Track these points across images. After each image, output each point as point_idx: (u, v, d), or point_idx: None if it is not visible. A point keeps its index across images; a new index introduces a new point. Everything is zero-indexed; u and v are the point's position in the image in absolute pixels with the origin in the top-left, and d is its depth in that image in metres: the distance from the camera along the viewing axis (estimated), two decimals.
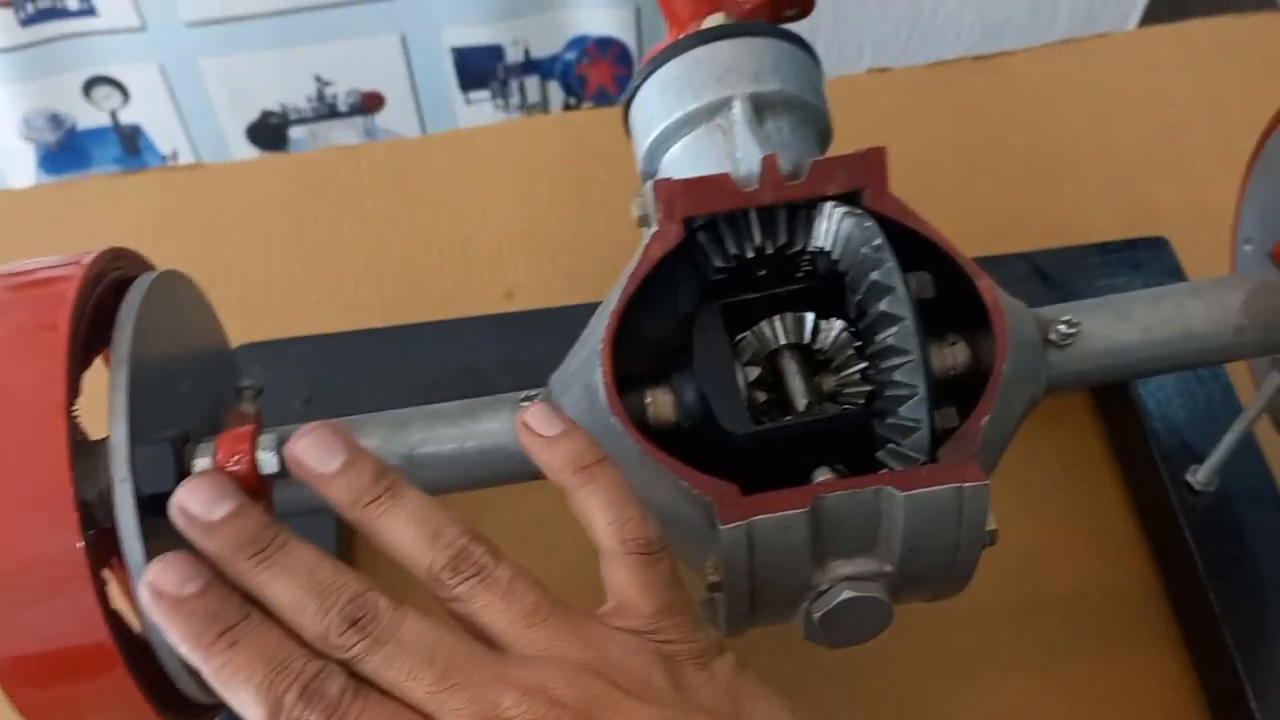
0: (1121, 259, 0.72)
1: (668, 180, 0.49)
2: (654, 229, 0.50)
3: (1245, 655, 0.60)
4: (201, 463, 0.42)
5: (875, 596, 0.45)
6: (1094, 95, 0.87)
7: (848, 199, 0.50)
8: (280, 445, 0.43)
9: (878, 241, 0.46)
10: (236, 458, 0.42)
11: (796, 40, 0.55)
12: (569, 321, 0.73)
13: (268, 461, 0.43)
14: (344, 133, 1.55)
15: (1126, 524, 0.68)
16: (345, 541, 0.65)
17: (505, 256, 0.81)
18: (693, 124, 0.53)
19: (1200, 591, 0.62)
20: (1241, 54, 0.88)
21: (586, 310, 0.72)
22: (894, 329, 0.45)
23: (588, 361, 0.49)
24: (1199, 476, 0.64)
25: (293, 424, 0.64)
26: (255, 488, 0.43)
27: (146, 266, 0.51)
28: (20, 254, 0.48)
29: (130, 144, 1.53)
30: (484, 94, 1.53)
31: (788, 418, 0.48)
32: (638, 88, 0.56)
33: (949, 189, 0.82)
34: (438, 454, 0.49)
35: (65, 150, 1.51)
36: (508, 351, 0.70)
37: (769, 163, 0.49)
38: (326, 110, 1.52)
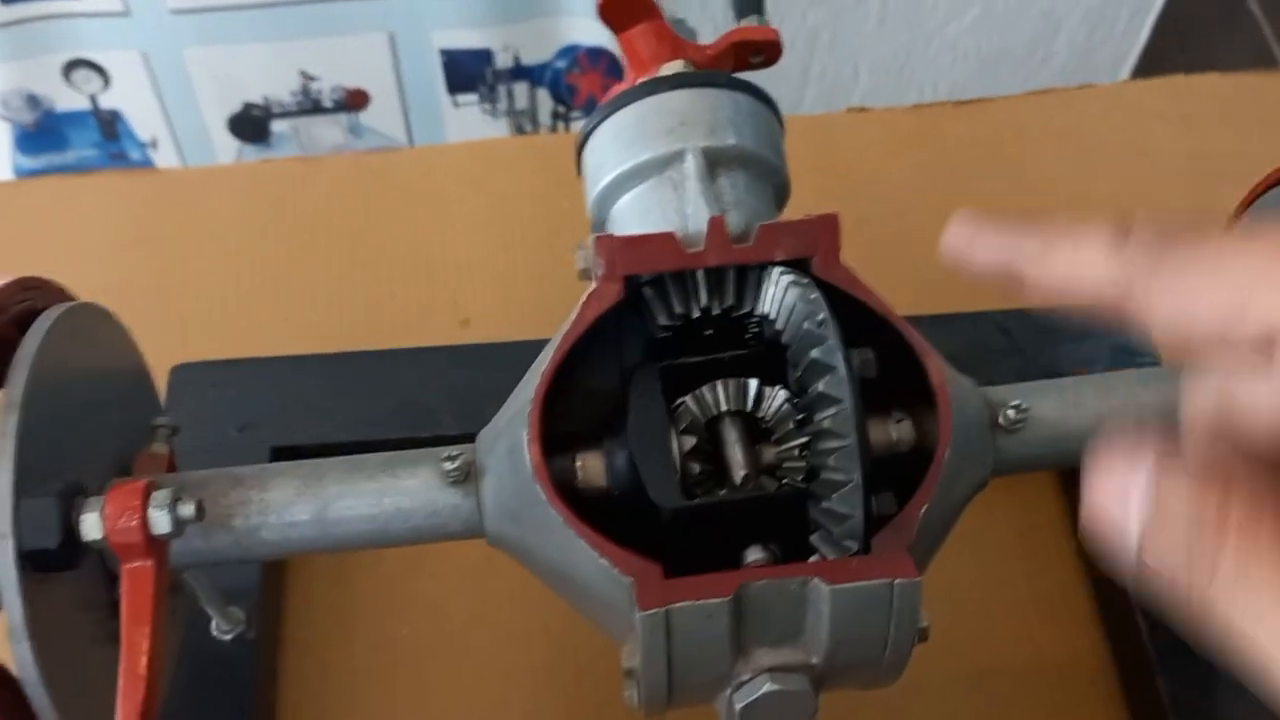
0: (1090, 324, 0.70)
1: (609, 237, 0.47)
2: (593, 286, 0.48)
3: None
4: (89, 518, 0.40)
5: (799, 690, 0.43)
6: (1074, 146, 0.85)
7: (797, 264, 0.48)
8: (177, 501, 0.41)
9: (821, 316, 0.44)
10: (126, 515, 0.40)
11: (757, 93, 0.53)
12: (521, 357, 0.71)
13: (160, 521, 0.40)
14: (327, 129, 1.53)
15: (1081, 594, 0.66)
16: (271, 587, 0.63)
17: (465, 282, 0.79)
18: (643, 175, 0.51)
19: (1148, 674, 0.60)
20: (1228, 111, 0.86)
21: (539, 347, 0.70)
22: (832, 411, 0.43)
23: (515, 420, 0.47)
24: None
25: (212, 461, 0.64)
26: (146, 550, 0.40)
27: (60, 296, 0.48)
28: None
29: (109, 129, 1.51)
30: (472, 98, 1.51)
31: (722, 492, 0.46)
32: (590, 131, 0.54)
33: (921, 237, 0.79)
34: (354, 513, 0.47)
35: (42, 132, 1.49)
36: (454, 386, 0.68)
37: (715, 224, 0.47)
38: (310, 105, 1.50)
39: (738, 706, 0.43)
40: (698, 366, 0.48)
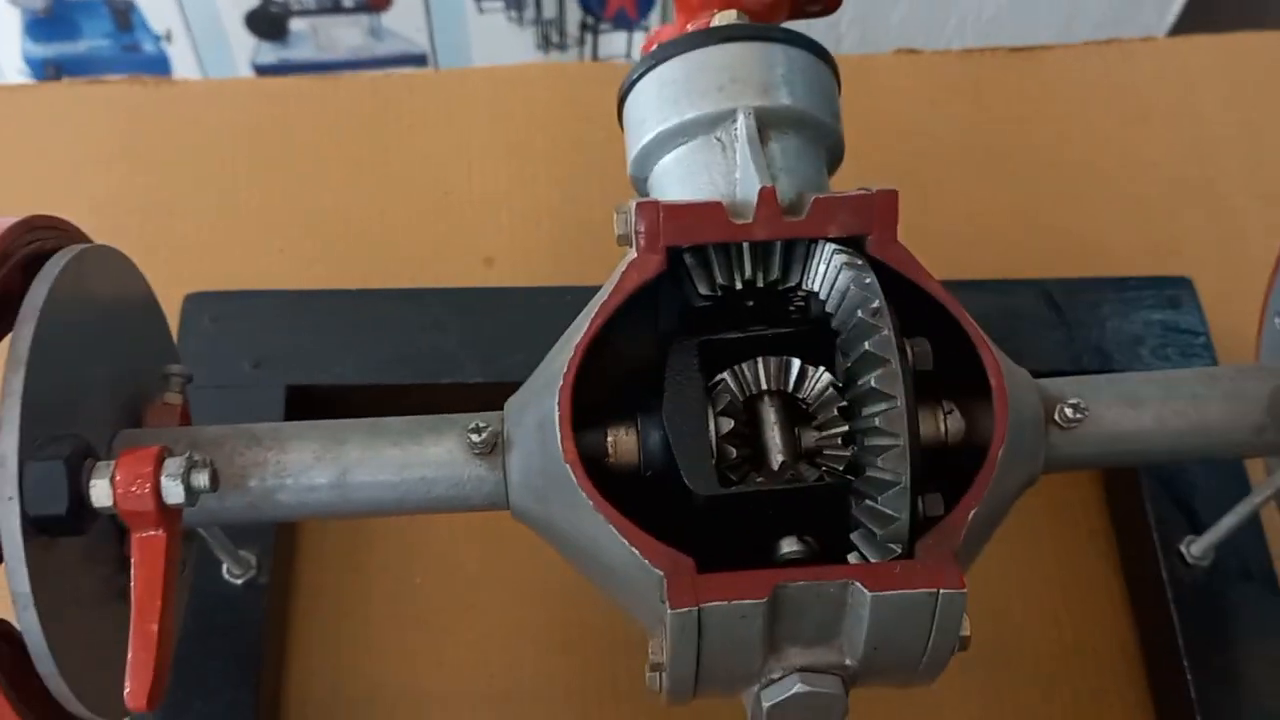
0: (1140, 298, 0.68)
1: (652, 204, 0.44)
2: (633, 254, 0.45)
3: None
4: (99, 485, 0.38)
5: (830, 692, 0.41)
6: (1126, 102, 0.81)
7: (850, 241, 0.45)
8: (191, 469, 0.39)
9: (876, 305, 0.42)
10: (138, 484, 0.38)
11: (814, 48, 0.50)
12: (547, 305, 0.68)
13: (173, 491, 0.38)
14: (347, 30, 1.48)
15: (1112, 583, 0.65)
16: (283, 531, 0.61)
17: (487, 218, 0.76)
18: (689, 134, 0.48)
19: (1177, 668, 0.59)
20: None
21: (568, 295, 0.67)
22: (883, 407, 0.41)
23: (544, 392, 0.45)
24: (1193, 549, 0.60)
25: (226, 400, 0.62)
26: (157, 519, 0.38)
27: (70, 236, 0.46)
28: None
29: (123, 20, 1.46)
30: (497, 4, 1.46)
31: (758, 480, 0.44)
32: (634, 82, 0.50)
33: (963, 191, 0.77)
34: (374, 480, 0.45)
35: (54, 20, 1.44)
36: (477, 331, 0.66)
37: (766, 195, 0.44)
38: (330, 4, 1.44)
39: (766, 705, 0.42)
40: (738, 343, 0.46)
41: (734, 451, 0.44)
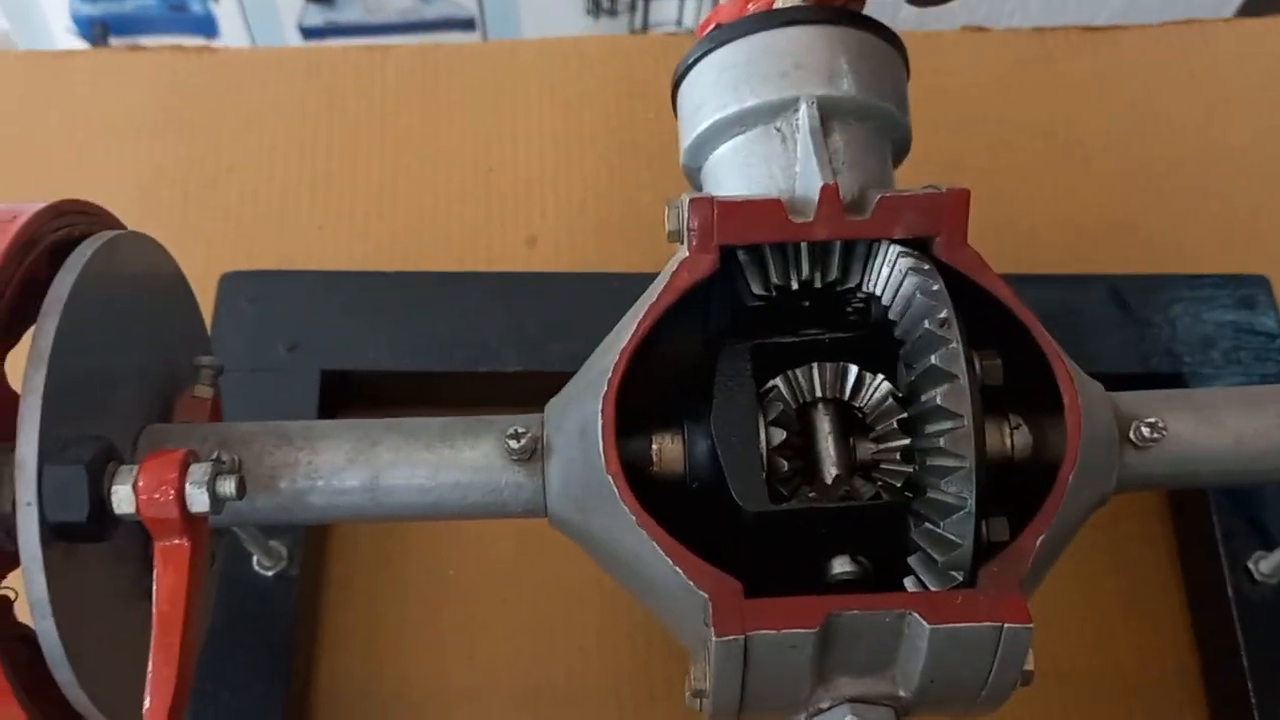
0: (1213, 297, 0.64)
1: (706, 200, 0.42)
2: (684, 253, 0.43)
3: None
4: (120, 491, 0.36)
5: None
6: (1205, 87, 0.77)
7: (915, 242, 0.42)
8: (218, 476, 0.37)
9: (944, 315, 0.39)
10: (161, 490, 0.36)
11: (883, 32, 0.47)
12: (591, 291, 0.66)
13: (197, 499, 0.37)
14: None
15: (1173, 597, 0.62)
16: (307, 601, 0.59)
17: (532, 196, 0.74)
18: (748, 123, 0.45)
19: (1241, 691, 0.56)
20: None
21: (613, 282, 0.65)
22: (948, 426, 0.38)
23: (587, 395, 0.42)
24: (1262, 566, 0.57)
25: (260, 384, 0.60)
26: (182, 528, 0.37)
27: (101, 221, 0.44)
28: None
29: None
30: None
31: (811, 495, 0.41)
32: (691, 65, 0.48)
33: (1029, 180, 0.73)
34: (407, 484, 0.43)
35: None
36: (519, 319, 0.64)
37: (828, 193, 0.42)
38: None
39: None
40: (793, 347, 0.44)
41: (785, 464, 0.42)
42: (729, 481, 0.41)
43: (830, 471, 0.42)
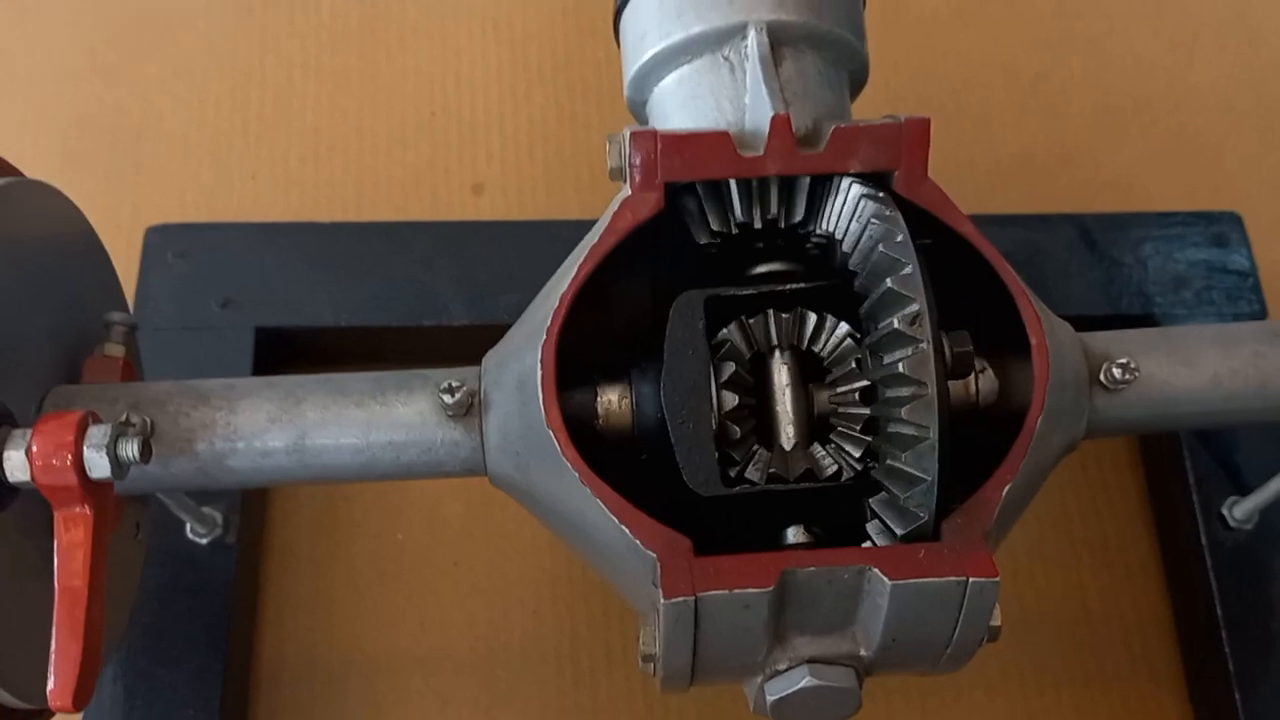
0: (1183, 234, 0.62)
1: (649, 133, 0.39)
2: (626, 192, 0.40)
3: (1250, 711, 0.53)
4: (13, 457, 0.34)
5: (842, 686, 0.37)
6: (1173, 23, 0.74)
7: (874, 177, 0.40)
8: (119, 439, 0.34)
9: (907, 271, 0.36)
10: (57, 455, 0.33)
11: None
12: (541, 240, 0.63)
13: (97, 463, 0.34)
14: None
15: (1143, 544, 0.60)
16: (246, 569, 0.56)
17: (478, 140, 0.70)
18: (694, 52, 0.43)
19: (1214, 640, 0.55)
20: None
21: (564, 230, 0.62)
22: (908, 392, 0.36)
23: (526, 347, 0.40)
24: (1236, 511, 0.55)
25: (192, 343, 0.57)
26: (81, 495, 0.34)
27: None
28: None
29: None
30: None
31: (770, 474, 0.38)
32: None
33: (993, 120, 0.71)
34: (336, 444, 0.40)
35: None
36: (466, 268, 0.61)
37: (779, 124, 0.39)
38: None
39: (770, 698, 0.38)
40: (749, 300, 0.41)
41: (738, 430, 0.39)
42: (679, 462, 0.38)
43: (788, 434, 0.39)
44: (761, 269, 0.42)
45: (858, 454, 0.38)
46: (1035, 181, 0.69)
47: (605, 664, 0.57)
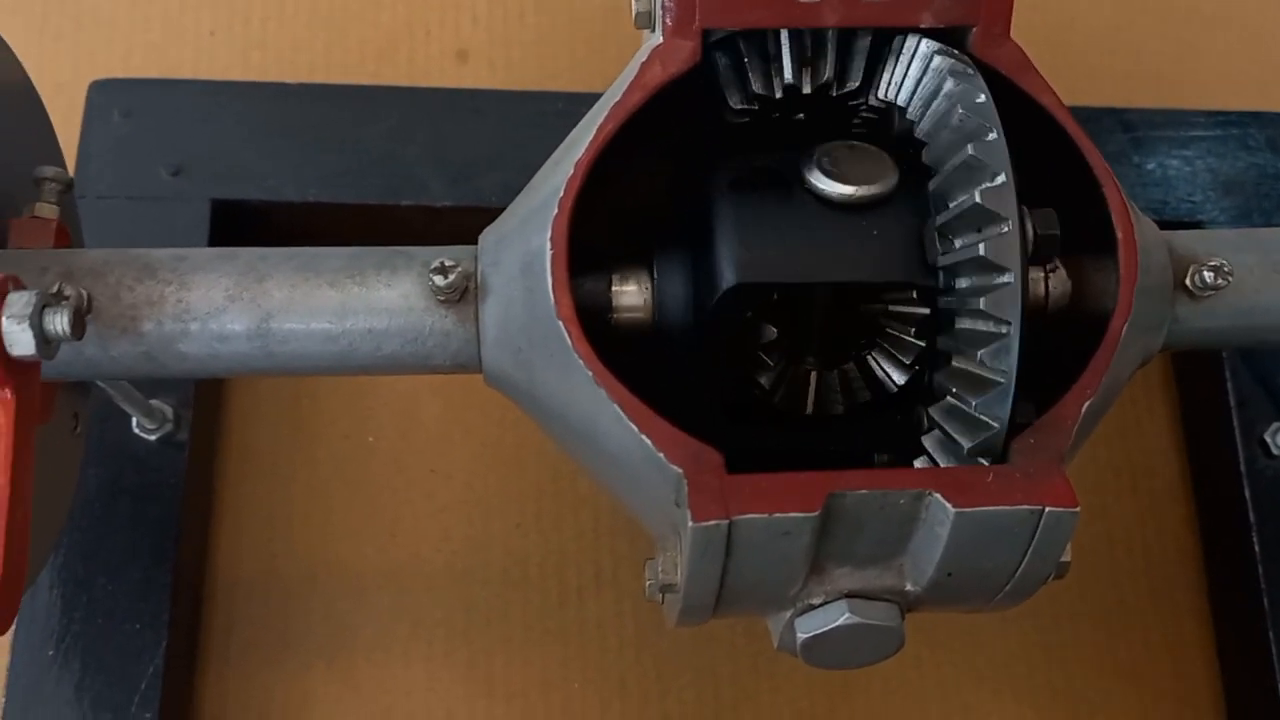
0: (1231, 136, 0.57)
1: None
2: (656, 40, 0.34)
3: None
4: None
5: (885, 624, 0.32)
6: None
7: (945, 36, 0.34)
8: (44, 309, 0.29)
9: (992, 137, 0.31)
10: None
11: None
12: (533, 113, 0.58)
13: (19, 338, 0.28)
14: None
15: (1172, 469, 0.56)
16: (199, 470, 0.51)
17: (462, 2, 0.64)
18: None
19: (1249, 570, 0.51)
20: None
21: (559, 103, 0.57)
22: (990, 281, 0.31)
23: (532, 224, 0.34)
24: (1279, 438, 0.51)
25: (138, 215, 0.51)
26: (2, 374, 0.28)
27: None
28: None
29: None
30: None
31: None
32: None
33: (1029, 5, 0.65)
34: (307, 329, 0.35)
35: None
36: (446, 143, 0.55)
37: None
38: None
39: (801, 636, 0.33)
40: None
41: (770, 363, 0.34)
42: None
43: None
44: None
45: (908, 360, 0.33)
46: (1081, 73, 0.64)
47: (594, 584, 0.53)
